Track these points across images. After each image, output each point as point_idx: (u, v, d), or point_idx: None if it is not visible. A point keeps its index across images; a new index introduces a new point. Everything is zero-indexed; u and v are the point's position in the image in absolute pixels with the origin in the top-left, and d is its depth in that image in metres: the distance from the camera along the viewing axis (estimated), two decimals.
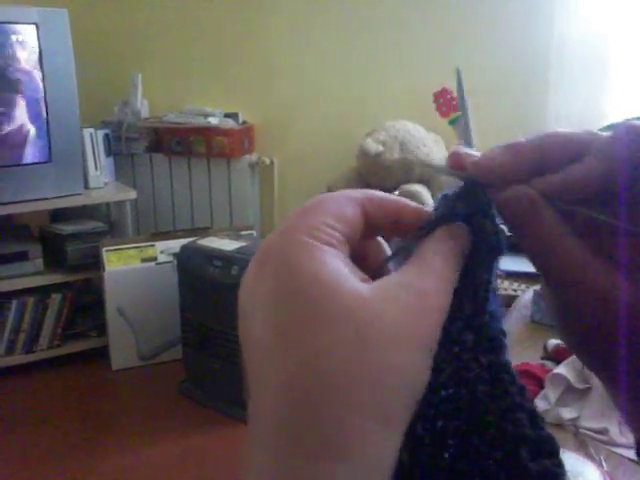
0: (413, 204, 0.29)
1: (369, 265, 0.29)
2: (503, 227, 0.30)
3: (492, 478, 0.26)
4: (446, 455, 0.26)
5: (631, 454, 0.79)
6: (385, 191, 0.30)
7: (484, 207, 0.30)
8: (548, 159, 0.29)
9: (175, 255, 2.54)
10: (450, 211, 0.30)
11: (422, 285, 0.26)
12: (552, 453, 0.27)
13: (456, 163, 0.30)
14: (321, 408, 0.23)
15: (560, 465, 0.27)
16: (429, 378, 0.25)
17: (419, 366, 0.25)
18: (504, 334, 0.29)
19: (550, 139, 0.29)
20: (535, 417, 0.28)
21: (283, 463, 0.23)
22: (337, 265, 0.25)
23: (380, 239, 0.31)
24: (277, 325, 0.24)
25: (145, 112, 3.05)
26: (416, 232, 0.29)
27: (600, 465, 0.76)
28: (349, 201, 0.27)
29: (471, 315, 0.28)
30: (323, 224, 0.26)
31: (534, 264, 0.29)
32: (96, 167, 2.74)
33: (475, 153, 0.30)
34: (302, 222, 0.26)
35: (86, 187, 2.68)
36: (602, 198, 0.28)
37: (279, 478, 0.23)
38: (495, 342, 0.29)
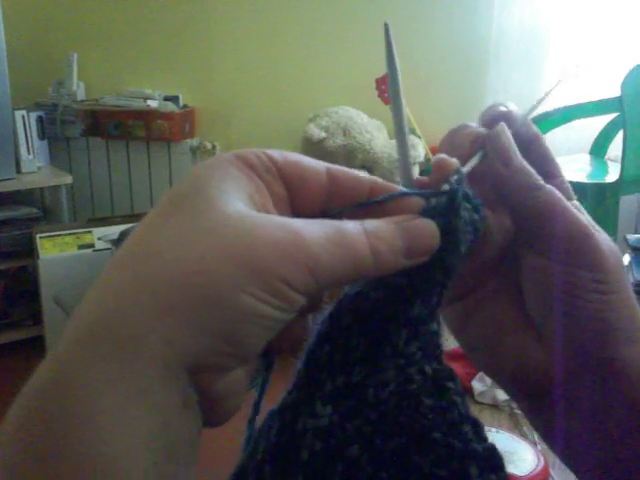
0: (387, 184, 0.29)
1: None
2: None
3: None
4: (384, 476, 0.24)
5: None
6: None
7: (462, 215, 0.28)
8: None
9: (114, 242, 2.48)
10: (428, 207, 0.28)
11: (298, 226, 0.23)
12: (499, 467, 0.26)
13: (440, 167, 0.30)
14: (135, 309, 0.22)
15: (505, 479, 0.26)
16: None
17: (261, 309, 0.22)
18: (441, 336, 0.28)
19: None
20: (479, 428, 0.26)
21: None
22: (227, 183, 0.24)
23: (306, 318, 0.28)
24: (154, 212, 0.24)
25: (81, 94, 2.95)
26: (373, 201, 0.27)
27: (534, 444, 0.78)
28: (316, 161, 0.28)
29: (420, 323, 0.27)
30: (261, 152, 0.26)
31: (517, 206, 0.31)
32: (29, 151, 2.64)
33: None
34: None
35: (18, 171, 2.58)
36: None
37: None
38: (439, 349, 0.27)
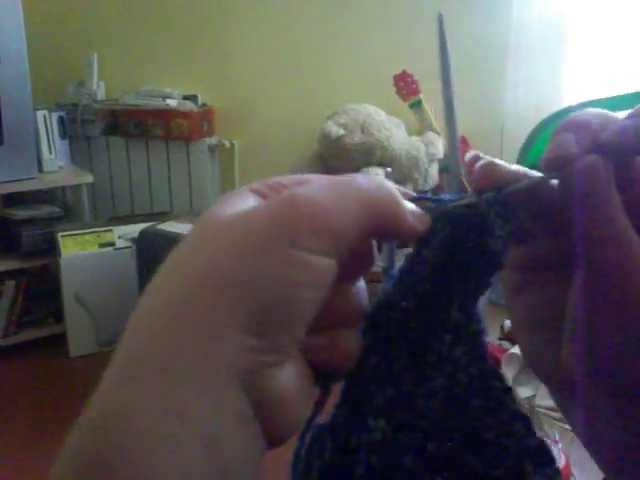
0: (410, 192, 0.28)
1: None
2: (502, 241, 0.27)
3: None
4: None
5: None
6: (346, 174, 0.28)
7: (497, 221, 0.26)
8: None
9: (134, 240, 2.50)
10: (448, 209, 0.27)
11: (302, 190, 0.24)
12: (551, 460, 0.25)
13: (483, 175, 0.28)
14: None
15: (559, 472, 0.25)
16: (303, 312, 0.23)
17: (261, 280, 0.22)
18: (485, 333, 0.27)
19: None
20: (529, 423, 0.26)
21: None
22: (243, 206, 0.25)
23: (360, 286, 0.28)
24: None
25: (101, 94, 2.98)
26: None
27: (555, 442, 0.78)
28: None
29: (461, 327, 0.26)
30: (269, 180, 0.27)
31: (583, 251, 0.25)
32: (50, 150, 2.67)
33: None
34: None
35: (40, 171, 2.61)
36: None
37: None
38: (483, 348, 0.26)
